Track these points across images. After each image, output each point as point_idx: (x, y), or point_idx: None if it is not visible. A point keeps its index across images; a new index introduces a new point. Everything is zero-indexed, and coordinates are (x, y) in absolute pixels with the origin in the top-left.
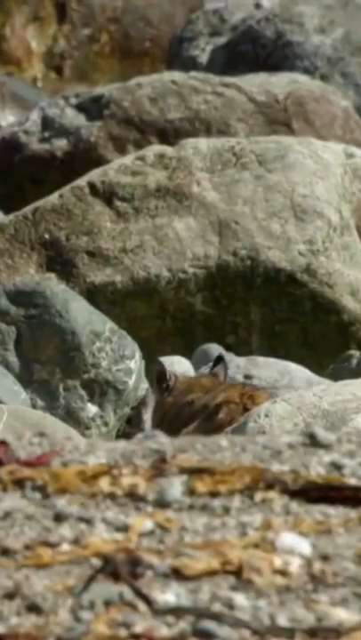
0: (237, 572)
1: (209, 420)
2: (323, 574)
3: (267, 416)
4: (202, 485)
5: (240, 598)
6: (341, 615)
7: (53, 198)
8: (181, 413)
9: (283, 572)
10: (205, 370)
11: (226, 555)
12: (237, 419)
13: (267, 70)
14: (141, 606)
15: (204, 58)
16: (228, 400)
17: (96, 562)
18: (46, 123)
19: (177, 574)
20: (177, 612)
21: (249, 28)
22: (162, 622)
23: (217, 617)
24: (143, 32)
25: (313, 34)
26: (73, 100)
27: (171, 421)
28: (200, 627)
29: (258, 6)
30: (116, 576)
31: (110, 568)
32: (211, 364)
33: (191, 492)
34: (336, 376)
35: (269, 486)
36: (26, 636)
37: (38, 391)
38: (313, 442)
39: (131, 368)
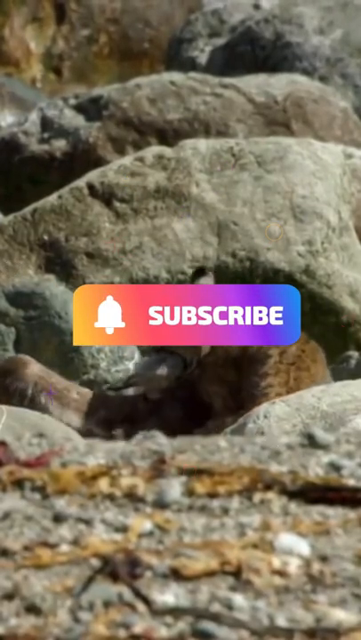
0: (236, 573)
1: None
2: (321, 575)
3: (265, 417)
4: (201, 486)
5: (239, 599)
6: (340, 616)
7: (52, 199)
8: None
9: (281, 573)
10: None
11: (225, 555)
12: None
13: (266, 71)
14: (140, 607)
15: (203, 59)
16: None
17: (95, 562)
18: (45, 123)
19: (176, 575)
20: (176, 612)
21: (248, 28)
22: (161, 623)
23: (216, 617)
24: (142, 33)
25: (312, 35)
26: (72, 101)
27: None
28: (199, 627)
29: (257, 7)
30: (115, 577)
31: (109, 569)
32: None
33: (190, 492)
34: (335, 377)
35: (268, 487)
36: (25, 636)
37: None
38: (312, 443)
39: (130, 369)
